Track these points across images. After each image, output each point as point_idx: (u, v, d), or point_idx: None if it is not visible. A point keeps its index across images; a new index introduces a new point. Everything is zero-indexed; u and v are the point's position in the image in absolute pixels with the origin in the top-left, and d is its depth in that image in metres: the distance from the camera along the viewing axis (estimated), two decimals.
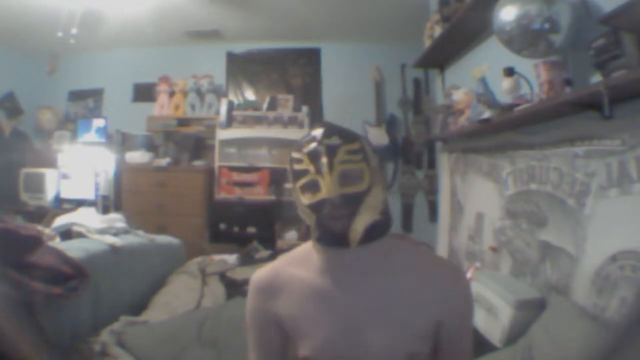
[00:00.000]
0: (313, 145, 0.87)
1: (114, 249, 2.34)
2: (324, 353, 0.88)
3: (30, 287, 1.70)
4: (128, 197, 4.13)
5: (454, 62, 2.89)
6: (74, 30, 3.26)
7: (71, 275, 1.92)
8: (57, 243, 2.25)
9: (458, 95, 2.46)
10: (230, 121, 4.26)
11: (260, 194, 4.11)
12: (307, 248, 0.95)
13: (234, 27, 4.19)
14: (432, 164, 4.29)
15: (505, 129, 2.05)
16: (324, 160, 0.85)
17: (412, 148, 4.41)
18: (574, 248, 1.54)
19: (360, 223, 0.84)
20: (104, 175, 4.02)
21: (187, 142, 4.31)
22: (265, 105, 4.36)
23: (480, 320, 1.76)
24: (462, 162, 2.68)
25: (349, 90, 4.53)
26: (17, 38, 4.14)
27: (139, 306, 2.46)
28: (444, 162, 3.04)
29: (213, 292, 2.68)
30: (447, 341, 0.90)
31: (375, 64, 4.49)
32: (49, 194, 4.06)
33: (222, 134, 4.23)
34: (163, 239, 2.98)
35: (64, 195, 4.03)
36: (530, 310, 1.57)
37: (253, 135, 4.21)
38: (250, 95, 4.68)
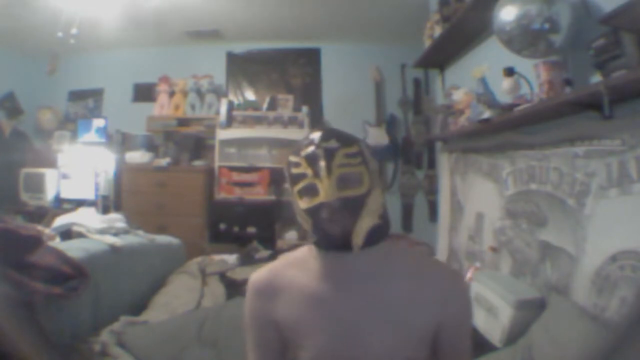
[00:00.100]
0: (311, 148, 0.86)
1: (114, 249, 2.34)
2: (323, 358, 0.88)
3: (30, 287, 1.70)
4: (128, 197, 4.13)
5: (454, 62, 2.89)
6: (74, 30, 3.26)
7: (71, 275, 1.92)
8: (57, 243, 2.25)
9: (458, 95, 2.46)
10: (230, 121, 4.26)
11: (260, 194, 4.11)
12: (306, 251, 0.95)
13: (234, 27, 4.19)
14: (432, 164, 4.29)
15: (505, 129, 2.05)
16: (322, 163, 0.84)
17: (412, 148, 4.40)
18: (574, 248, 1.54)
19: (362, 227, 0.83)
20: (104, 175, 4.02)
21: (187, 142, 4.31)
22: (265, 105, 4.36)
23: (480, 320, 1.75)
24: (462, 162, 2.68)
25: (349, 90, 4.53)
26: (17, 38, 4.14)
27: (139, 306, 2.46)
28: (444, 162, 3.04)
29: (213, 292, 2.68)
30: (447, 344, 0.90)
31: (375, 64, 4.49)
32: (49, 194, 4.06)
33: (222, 134, 4.22)
34: (163, 239, 2.98)
35: (64, 195, 4.03)
36: (530, 310, 1.57)
37: (253, 135, 4.21)
38: (250, 95, 4.68)
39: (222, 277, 2.91)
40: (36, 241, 1.94)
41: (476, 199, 2.48)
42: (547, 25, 1.47)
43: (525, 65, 1.67)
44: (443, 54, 2.84)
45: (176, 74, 4.56)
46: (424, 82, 4.37)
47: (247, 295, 0.97)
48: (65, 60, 4.80)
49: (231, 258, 3.28)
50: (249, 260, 3.45)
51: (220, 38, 4.48)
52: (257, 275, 0.97)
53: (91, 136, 4.37)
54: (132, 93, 4.79)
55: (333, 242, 0.86)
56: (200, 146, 4.37)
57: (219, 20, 4.02)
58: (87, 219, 2.59)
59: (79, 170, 4.02)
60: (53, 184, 4.07)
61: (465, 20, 2.27)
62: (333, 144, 0.85)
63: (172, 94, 4.56)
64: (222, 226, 4.06)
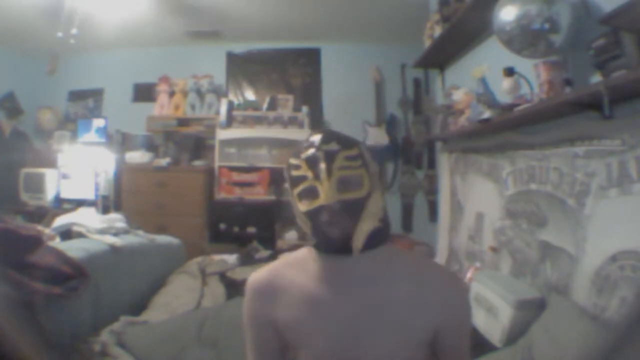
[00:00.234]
0: (311, 151, 0.86)
1: (114, 249, 2.34)
2: (323, 359, 0.88)
3: (30, 287, 1.70)
4: (128, 197, 4.13)
5: (454, 62, 2.89)
6: (74, 30, 3.26)
7: (71, 275, 1.92)
8: (57, 243, 2.25)
9: (458, 95, 2.46)
10: (230, 121, 4.26)
11: (260, 194, 4.11)
12: (306, 252, 0.94)
13: (234, 27, 4.19)
14: (432, 164, 4.29)
15: (505, 129, 2.05)
16: (322, 166, 0.83)
17: (412, 148, 4.40)
18: (574, 248, 1.54)
19: (363, 230, 0.83)
20: (104, 175, 4.02)
21: (187, 142, 4.31)
22: (265, 105, 4.36)
23: (480, 320, 1.76)
24: (462, 162, 2.68)
25: (349, 90, 4.53)
26: (17, 38, 4.14)
27: (139, 306, 2.46)
28: (444, 162, 3.04)
29: (213, 292, 2.68)
30: (446, 345, 0.90)
31: (375, 64, 4.49)
32: (49, 194, 4.06)
33: (222, 134, 4.22)
34: (163, 239, 2.98)
35: (64, 195, 4.03)
36: (530, 310, 1.57)
37: (253, 135, 4.21)
38: (250, 95, 4.68)
39: (222, 277, 2.91)
40: (36, 241, 1.94)
41: (476, 199, 2.48)
42: (547, 25, 1.47)
43: (525, 65, 1.67)
44: (443, 54, 2.84)
45: (176, 74, 4.56)
46: (424, 82, 4.37)
47: (246, 295, 0.96)
48: (65, 60, 4.79)
49: (231, 258, 3.28)
50: (249, 260, 3.46)
51: (220, 38, 4.48)
52: (256, 275, 0.97)
53: (91, 136, 4.37)
54: (132, 93, 4.79)
55: (333, 245, 0.86)
56: (200, 146, 4.37)
57: (219, 20, 4.02)
58: (87, 219, 2.59)
59: (79, 170, 4.02)
60: (53, 184, 4.07)
61: (465, 20, 2.27)
62: (333, 146, 0.85)
63: (172, 94, 4.56)
64: (222, 226, 4.06)
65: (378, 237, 0.87)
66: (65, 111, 4.87)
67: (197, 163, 4.24)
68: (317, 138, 0.87)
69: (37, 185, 4.09)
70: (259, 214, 4.05)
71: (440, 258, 2.97)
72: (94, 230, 2.45)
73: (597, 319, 1.35)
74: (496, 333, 1.63)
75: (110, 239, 2.39)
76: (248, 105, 4.44)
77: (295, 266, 0.94)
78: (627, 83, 1.17)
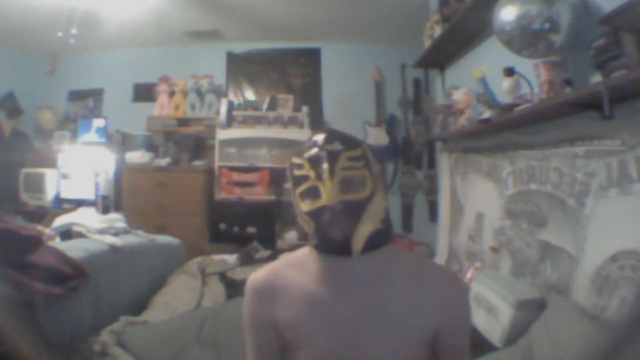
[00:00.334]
0: (314, 150, 0.85)
1: (114, 249, 2.34)
2: (323, 359, 0.88)
3: (30, 287, 1.70)
4: (128, 197, 4.13)
5: (454, 62, 2.89)
6: (74, 30, 3.26)
7: (71, 275, 1.92)
8: (57, 243, 2.25)
9: (458, 95, 2.46)
10: (230, 121, 4.26)
11: (260, 194, 4.11)
12: (307, 253, 0.94)
13: (234, 27, 4.19)
14: (432, 164, 4.29)
15: (505, 129, 2.05)
16: (325, 166, 0.83)
17: (412, 148, 4.40)
18: (574, 248, 1.54)
19: (363, 232, 0.83)
20: (104, 175, 4.02)
21: (187, 142, 4.31)
22: (265, 105, 4.36)
23: (480, 320, 1.76)
24: (462, 162, 2.68)
25: (349, 90, 4.53)
26: (17, 38, 4.14)
27: (139, 306, 2.46)
28: (444, 162, 3.04)
29: (213, 292, 2.68)
30: (446, 345, 0.90)
31: (375, 64, 4.49)
32: (49, 194, 4.06)
33: (222, 134, 4.22)
34: (163, 239, 2.98)
35: (64, 195, 4.03)
36: (530, 310, 1.57)
37: (253, 135, 4.21)
38: (250, 95, 4.68)
39: (222, 277, 2.91)
40: (36, 241, 1.94)
41: (476, 199, 2.48)
42: (547, 25, 1.47)
43: (525, 65, 1.67)
44: (443, 54, 2.84)
45: (176, 74, 4.56)
46: (424, 82, 4.37)
47: (246, 295, 0.96)
48: (65, 60, 4.80)
49: (231, 258, 3.28)
50: (249, 260, 3.46)
51: (220, 38, 4.48)
52: (256, 275, 0.96)
53: (91, 136, 4.37)
54: (132, 93, 4.79)
55: (334, 246, 0.85)
56: (200, 146, 4.37)
57: (219, 20, 4.02)
58: (87, 219, 2.59)
59: (79, 170, 4.02)
60: (53, 184, 4.07)
61: (465, 20, 2.27)
62: (336, 146, 0.85)
63: (172, 94, 4.56)
64: (222, 226, 4.06)
65: (379, 239, 0.87)
66: (65, 111, 4.86)
67: (197, 163, 4.24)
68: (320, 137, 0.87)
69: (37, 185, 4.09)
70: (259, 214, 4.05)
71: (440, 258, 2.97)
72: (94, 230, 2.45)
73: (597, 319, 1.35)
74: (496, 333, 1.63)
75: (110, 239, 2.39)
76: (248, 105, 4.44)
77: (295, 266, 0.94)
78: (627, 83, 1.17)
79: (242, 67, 4.71)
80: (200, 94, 4.52)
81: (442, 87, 3.07)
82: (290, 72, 4.68)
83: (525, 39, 1.53)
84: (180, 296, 2.55)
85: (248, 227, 4.03)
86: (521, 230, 1.92)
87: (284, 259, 1.00)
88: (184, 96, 4.53)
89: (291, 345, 0.92)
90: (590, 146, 1.47)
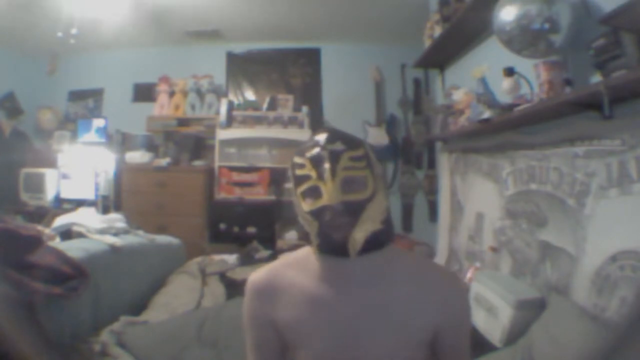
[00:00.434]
0: (316, 150, 0.85)
1: (114, 249, 2.34)
2: (323, 359, 0.88)
3: (30, 287, 1.70)
4: (128, 197, 4.13)
5: (454, 62, 2.89)
6: (74, 30, 3.26)
7: (71, 275, 1.92)
8: (57, 243, 2.25)
9: (458, 95, 2.46)
10: (230, 121, 4.26)
11: (260, 194, 4.11)
12: (307, 253, 0.94)
13: (234, 27, 4.19)
14: (432, 164, 4.29)
15: (505, 129, 2.05)
16: (327, 166, 0.83)
17: (412, 148, 4.41)
18: (574, 248, 1.54)
19: (361, 233, 0.82)
20: (104, 175, 4.02)
21: (187, 142, 4.31)
22: (265, 105, 4.36)
23: (480, 320, 1.76)
24: (462, 162, 2.68)
25: (349, 90, 4.53)
26: (17, 38, 4.14)
27: (139, 306, 2.46)
28: (444, 162, 3.04)
29: (213, 292, 2.68)
30: (446, 345, 0.90)
31: (375, 64, 4.49)
32: (49, 194, 4.05)
33: (222, 134, 4.22)
34: (163, 239, 2.98)
35: (64, 195, 4.03)
36: (530, 310, 1.57)
37: (253, 135, 4.20)
38: (250, 95, 4.68)
39: (222, 277, 2.91)
40: (36, 241, 1.94)
41: (476, 199, 2.48)
42: (547, 25, 1.47)
43: (525, 65, 1.67)
44: (443, 54, 2.84)
45: (176, 74, 4.56)
46: (424, 82, 4.38)
47: (245, 296, 0.96)
48: (65, 60, 4.80)
49: (231, 258, 3.28)
50: (249, 260, 3.45)
51: (220, 38, 4.48)
52: (256, 275, 0.96)
53: (91, 136, 4.37)
54: (132, 93, 4.79)
55: (334, 246, 0.85)
56: (200, 146, 4.37)
57: (219, 20, 4.02)
58: (87, 219, 2.59)
59: (79, 170, 4.02)
60: (53, 184, 4.07)
61: (465, 20, 2.27)
62: (338, 146, 0.84)
63: (172, 94, 4.56)
64: (222, 226, 4.06)
65: (380, 239, 0.87)
66: (65, 111, 4.86)
67: (197, 163, 4.24)
68: (322, 137, 0.87)
69: (37, 185, 4.09)
70: (259, 214, 4.05)
71: (440, 258, 2.97)
72: (94, 230, 2.45)
73: (597, 319, 1.35)
74: (496, 333, 1.63)
75: (110, 239, 2.39)
76: (248, 105, 4.44)
77: (295, 266, 0.94)
78: (627, 83, 1.17)
79: (242, 67, 4.71)
80: (200, 94, 4.52)
81: (442, 87, 3.07)
82: (290, 72, 4.68)
83: (525, 39, 1.53)
84: (180, 296, 2.55)
85: (248, 227, 4.03)
86: (521, 230, 1.92)
87: (284, 259, 0.99)
88: (184, 96, 4.53)
89: (291, 345, 0.92)
90: (590, 146, 1.47)
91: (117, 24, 3.82)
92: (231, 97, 4.62)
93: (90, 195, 3.90)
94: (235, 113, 4.30)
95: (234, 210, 4.06)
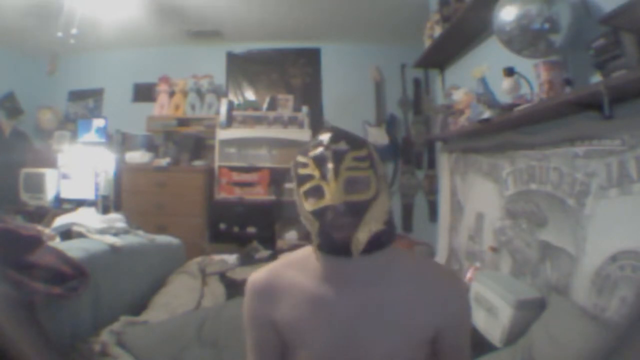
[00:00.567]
0: (319, 149, 0.85)
1: (114, 249, 2.33)
2: (324, 359, 0.88)
3: (30, 287, 1.70)
4: (128, 197, 4.13)
5: (454, 62, 2.89)
6: (74, 30, 3.26)
7: (71, 275, 1.92)
8: (57, 243, 2.25)
9: (458, 95, 2.46)
10: (230, 121, 4.26)
11: (260, 194, 4.11)
12: (307, 252, 0.94)
13: (234, 27, 4.19)
14: (432, 164, 4.29)
15: (505, 129, 2.05)
16: (330, 165, 0.82)
17: (412, 148, 4.41)
18: (574, 248, 1.54)
19: (364, 233, 0.82)
20: (104, 175, 4.02)
21: (187, 142, 4.31)
22: (265, 105, 4.36)
23: (480, 320, 1.76)
24: (462, 162, 2.68)
25: (349, 90, 4.53)
26: (17, 38, 4.14)
27: (139, 306, 2.46)
28: (444, 162, 3.04)
29: (213, 292, 2.68)
30: (447, 345, 0.90)
31: (375, 64, 4.49)
32: (49, 194, 4.06)
33: (222, 134, 4.22)
34: (163, 239, 2.98)
35: (64, 195, 4.03)
36: (530, 310, 1.57)
37: (253, 135, 4.21)
38: (250, 95, 4.68)
39: (222, 277, 2.91)
40: (36, 241, 1.94)
41: (476, 199, 2.48)
42: (547, 25, 1.47)
43: (525, 65, 1.67)
44: (443, 54, 2.84)
45: (176, 74, 4.56)
46: (424, 82, 4.37)
47: (246, 296, 0.96)
48: (65, 60, 4.81)
49: (231, 258, 3.28)
50: (249, 260, 3.45)
51: (220, 38, 4.48)
52: (256, 275, 0.96)
53: (91, 136, 4.37)
54: (132, 93, 4.79)
55: (336, 246, 0.85)
56: (200, 146, 4.37)
57: (219, 20, 4.02)
58: (87, 219, 2.59)
59: (79, 170, 4.02)
60: (53, 184, 4.07)
61: (465, 20, 2.27)
62: (342, 146, 0.84)
63: (172, 94, 4.56)
64: (222, 226, 4.06)
65: (382, 240, 0.86)
66: (65, 111, 4.86)
67: (197, 163, 4.24)
68: (325, 137, 0.86)
69: (37, 185, 4.09)
70: (259, 214, 4.05)
71: (440, 258, 2.97)
72: (94, 230, 2.45)
73: (597, 319, 1.35)
74: (496, 333, 1.63)
75: (110, 239, 2.39)
76: (248, 105, 4.44)
77: (295, 266, 0.94)
78: (627, 83, 1.17)
79: (242, 67, 4.71)
80: (200, 94, 4.52)
81: (442, 87, 3.07)
82: (290, 72, 4.68)
83: (525, 39, 1.53)
84: (180, 296, 2.55)
85: (248, 227, 4.03)
86: (521, 230, 1.92)
87: (284, 259, 0.99)
88: (184, 96, 4.53)
89: (291, 345, 0.92)
90: (590, 146, 1.47)
91: (117, 24, 3.82)
92: (231, 97, 4.62)
93: (90, 195, 3.90)
94: (235, 113, 4.30)
95: (234, 210, 4.06)
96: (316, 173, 0.84)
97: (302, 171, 0.86)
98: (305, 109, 4.26)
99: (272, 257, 3.43)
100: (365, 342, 0.86)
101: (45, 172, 4.09)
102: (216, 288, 2.75)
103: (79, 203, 3.66)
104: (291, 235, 4.06)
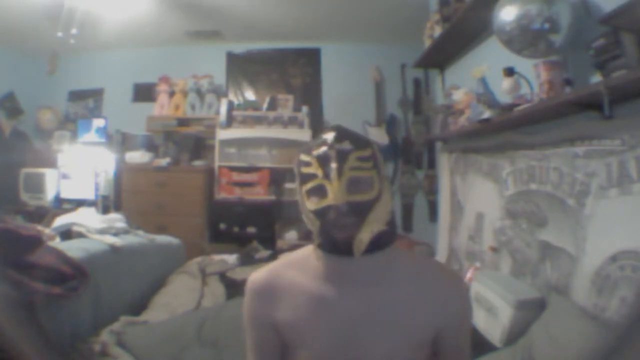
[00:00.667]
0: (323, 149, 0.84)
1: (114, 249, 2.33)
2: (324, 359, 0.88)
3: (30, 287, 1.70)
4: (128, 197, 4.13)
5: (454, 62, 2.89)
6: (74, 30, 3.26)
7: (71, 275, 1.92)
8: (57, 243, 2.25)
9: (458, 95, 2.46)
10: (230, 121, 4.26)
11: (260, 194, 4.11)
12: (308, 252, 0.93)
13: (234, 27, 4.19)
14: (432, 164, 4.29)
15: (505, 129, 2.05)
16: (334, 165, 0.82)
17: (412, 148, 4.41)
18: (574, 248, 1.54)
19: (366, 234, 0.82)
20: (104, 175, 4.02)
21: (187, 142, 4.31)
22: (265, 105, 4.36)
23: (480, 320, 1.76)
24: (462, 162, 2.68)
25: (349, 90, 4.53)
26: (17, 38, 4.14)
27: (139, 306, 2.46)
28: (444, 162, 3.04)
29: (213, 292, 2.68)
30: (447, 345, 0.90)
31: (375, 64, 4.49)
32: (49, 194, 4.05)
33: (222, 134, 4.22)
34: (163, 239, 2.98)
35: (64, 195, 4.03)
36: (530, 310, 1.57)
37: (253, 135, 4.21)
38: (250, 95, 4.68)
39: (222, 277, 2.91)
40: (36, 241, 1.94)
41: (476, 199, 2.48)
42: (547, 25, 1.47)
43: (525, 65, 1.67)
44: (443, 54, 2.84)
45: (176, 74, 4.56)
46: (424, 82, 4.38)
47: (246, 296, 0.96)
48: (65, 60, 4.81)
49: (231, 258, 3.28)
50: (249, 260, 3.45)
51: (220, 38, 4.48)
52: (256, 275, 0.96)
53: (91, 136, 4.37)
54: (132, 93, 4.79)
55: (337, 246, 0.85)
56: (200, 146, 4.37)
57: (219, 20, 4.02)
58: (87, 219, 2.59)
59: (79, 170, 4.02)
60: (53, 184, 4.07)
61: (465, 20, 2.27)
62: (346, 145, 0.83)
63: (172, 94, 4.56)
64: (222, 226, 4.06)
65: (383, 240, 0.86)
66: (65, 111, 4.87)
67: (197, 163, 4.24)
68: (329, 136, 0.86)
69: (37, 185, 4.09)
70: (259, 214, 4.05)
71: (440, 258, 2.97)
72: (94, 230, 2.45)
73: (597, 319, 1.35)
74: (496, 333, 1.63)
75: (110, 239, 2.39)
76: (248, 105, 4.44)
77: (296, 266, 0.94)
78: (627, 83, 1.17)
79: (242, 67, 4.71)
80: (200, 94, 4.52)
81: (442, 87, 3.07)
82: (290, 72, 4.68)
83: (525, 39, 1.53)
84: (180, 296, 2.55)
85: (248, 227, 4.03)
86: (521, 230, 1.92)
87: (285, 258, 0.99)
88: (184, 96, 4.53)
89: (291, 345, 0.92)
90: (590, 146, 1.47)
91: (117, 24, 3.82)
92: (231, 97, 4.62)
93: (90, 195, 3.90)
94: (235, 113, 4.30)
95: (234, 210, 4.06)
96: (319, 172, 0.83)
97: (305, 170, 0.86)
98: (305, 109, 4.26)
99: (272, 257, 3.43)
100: (366, 342, 0.86)
101: (45, 172, 4.09)
102: (216, 288, 2.75)
103: (79, 203, 3.66)
104: (291, 235, 4.06)
